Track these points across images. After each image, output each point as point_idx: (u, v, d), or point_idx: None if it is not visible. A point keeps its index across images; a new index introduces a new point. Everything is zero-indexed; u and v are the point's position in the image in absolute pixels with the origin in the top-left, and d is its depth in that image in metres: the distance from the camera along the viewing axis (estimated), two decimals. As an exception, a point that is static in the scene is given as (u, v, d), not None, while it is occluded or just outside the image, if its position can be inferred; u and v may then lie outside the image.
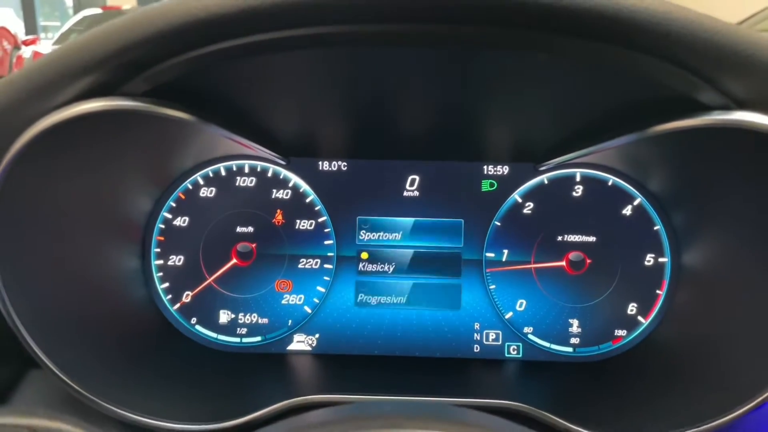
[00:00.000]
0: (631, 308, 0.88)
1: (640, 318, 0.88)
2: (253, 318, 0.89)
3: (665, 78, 0.58)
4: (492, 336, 0.89)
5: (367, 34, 0.55)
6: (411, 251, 0.90)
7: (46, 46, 7.66)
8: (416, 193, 0.89)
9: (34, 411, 0.49)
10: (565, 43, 0.55)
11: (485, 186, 0.89)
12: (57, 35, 7.89)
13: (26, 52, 7.25)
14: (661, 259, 0.88)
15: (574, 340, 0.88)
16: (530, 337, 0.89)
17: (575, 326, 0.88)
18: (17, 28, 9.54)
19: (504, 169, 0.89)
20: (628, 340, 0.88)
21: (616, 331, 0.88)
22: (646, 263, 0.88)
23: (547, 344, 0.89)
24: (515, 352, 0.89)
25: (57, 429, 0.48)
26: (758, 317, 0.72)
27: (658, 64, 0.56)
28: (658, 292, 0.87)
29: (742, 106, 0.59)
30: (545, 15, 0.53)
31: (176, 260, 0.89)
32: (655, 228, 0.88)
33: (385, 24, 0.55)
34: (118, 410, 0.67)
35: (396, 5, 0.53)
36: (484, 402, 0.73)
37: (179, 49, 0.56)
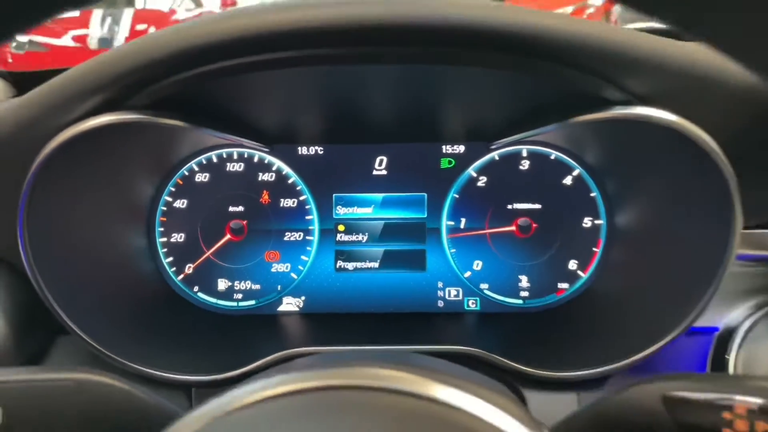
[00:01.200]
0: (572, 264, 1.01)
1: (579, 272, 1.01)
2: (247, 285, 1.02)
3: (576, 81, 0.70)
4: (453, 293, 1.03)
5: (331, 57, 0.68)
6: (382, 222, 1.02)
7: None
8: (384, 172, 1.01)
9: (75, 368, 0.60)
10: (493, 59, 0.67)
11: (444, 163, 1.01)
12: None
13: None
14: (597, 222, 1.01)
15: (523, 294, 1.02)
16: (486, 292, 1.03)
17: (524, 281, 1.02)
18: None
19: (460, 149, 1.01)
20: (570, 292, 1.02)
21: (559, 284, 1.02)
22: (584, 225, 1.01)
23: (500, 298, 1.02)
24: (474, 306, 1.03)
25: (97, 381, 0.59)
26: (675, 268, 0.85)
27: (569, 71, 0.69)
28: (594, 249, 1.01)
29: (643, 100, 0.72)
30: (475, 38, 0.65)
31: (178, 237, 1.01)
32: (592, 195, 1.00)
33: (341, 48, 0.67)
34: (136, 365, 0.79)
35: (345, 35, 0.65)
36: (443, 348, 0.86)
37: (175, 71, 0.68)
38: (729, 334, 0.89)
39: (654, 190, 0.89)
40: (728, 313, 0.90)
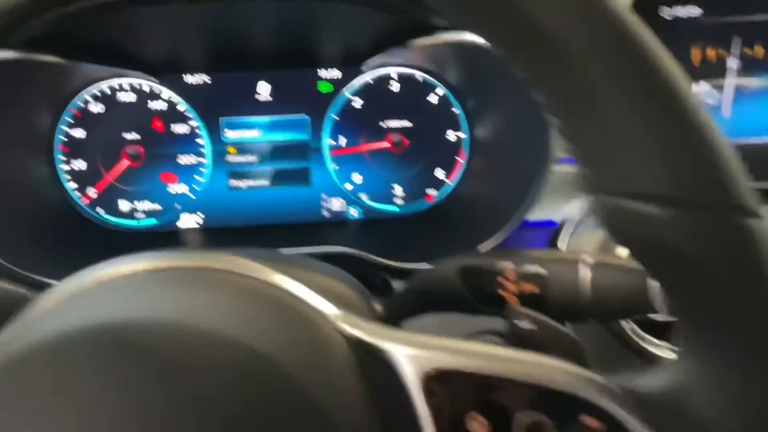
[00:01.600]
0: (439, 173, 1.15)
1: (446, 180, 1.15)
2: (147, 206, 1.11)
3: (410, 11, 0.81)
4: (337, 204, 1.15)
5: None
6: (270, 144, 1.12)
7: None
8: (269, 98, 1.10)
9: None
10: None
11: (323, 88, 1.11)
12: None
13: None
14: (460, 135, 1.14)
15: (398, 201, 1.16)
16: (366, 201, 1.15)
17: (399, 190, 1.15)
18: None
19: (336, 74, 1.11)
20: (439, 199, 1.16)
21: (428, 191, 1.15)
22: (449, 138, 1.14)
23: (378, 205, 1.15)
24: (355, 214, 1.16)
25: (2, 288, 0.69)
26: (516, 172, 1.00)
27: (402, 3, 0.79)
28: (458, 159, 1.14)
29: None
30: None
31: (80, 165, 1.08)
32: (455, 111, 1.13)
33: None
34: (44, 279, 0.87)
35: None
36: (327, 249, 0.99)
37: (45, 8, 0.75)
38: (563, 225, 1.05)
39: (500, 105, 1.02)
40: (566, 209, 1.07)
